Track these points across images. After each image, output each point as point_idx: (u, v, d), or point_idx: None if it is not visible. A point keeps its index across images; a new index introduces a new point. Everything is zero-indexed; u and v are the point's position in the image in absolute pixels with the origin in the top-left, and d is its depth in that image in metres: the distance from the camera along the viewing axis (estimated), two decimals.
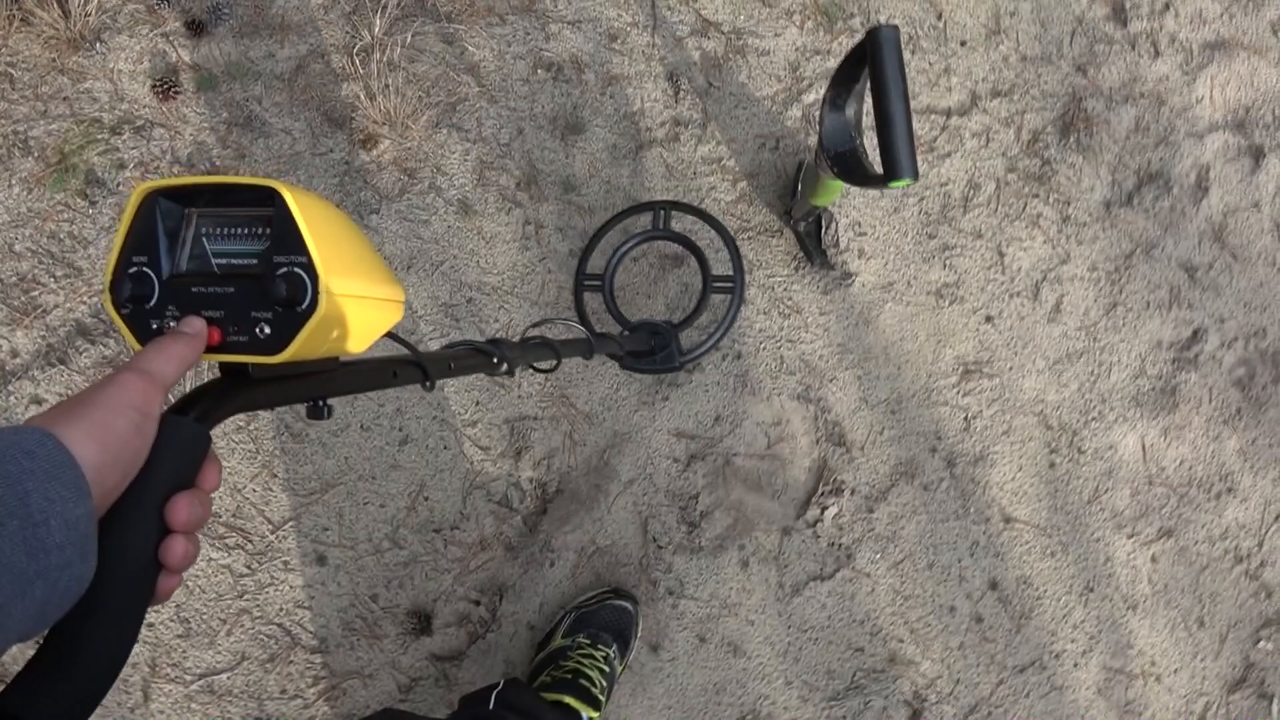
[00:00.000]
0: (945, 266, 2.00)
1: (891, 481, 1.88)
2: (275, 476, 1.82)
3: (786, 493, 1.87)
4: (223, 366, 0.66)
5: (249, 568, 1.78)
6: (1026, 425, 1.92)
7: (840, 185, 1.47)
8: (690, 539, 1.82)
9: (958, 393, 1.93)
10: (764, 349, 1.93)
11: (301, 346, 0.64)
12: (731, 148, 2.07)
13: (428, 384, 0.90)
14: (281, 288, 0.62)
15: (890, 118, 1.14)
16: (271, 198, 0.64)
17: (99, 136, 2.02)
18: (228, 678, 1.75)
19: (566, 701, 1.52)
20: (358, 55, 2.04)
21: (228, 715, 1.75)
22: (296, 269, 0.63)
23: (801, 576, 1.82)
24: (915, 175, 1.13)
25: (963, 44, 2.17)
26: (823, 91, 2.09)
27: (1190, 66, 2.17)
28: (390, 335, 0.79)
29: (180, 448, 0.57)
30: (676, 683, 1.79)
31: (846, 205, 2.01)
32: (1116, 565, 1.86)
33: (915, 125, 2.07)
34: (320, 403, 0.74)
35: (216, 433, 1.75)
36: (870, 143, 1.32)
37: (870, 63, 1.17)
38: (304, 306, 0.63)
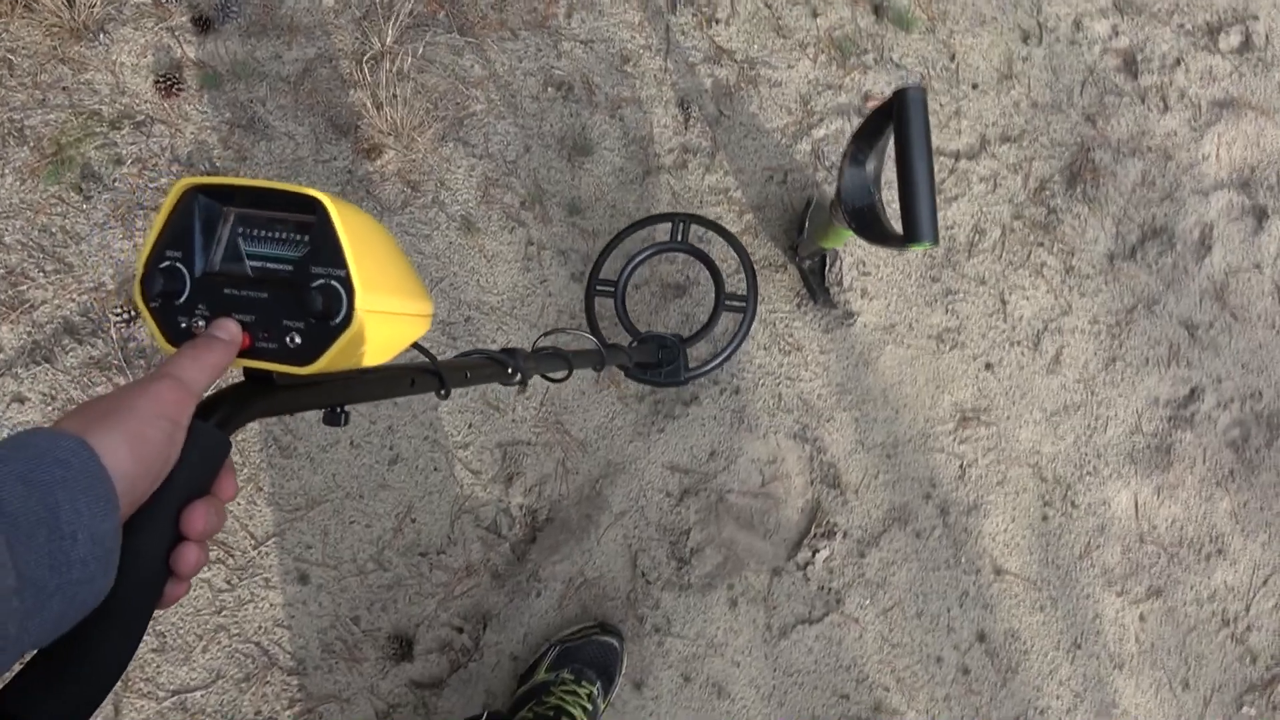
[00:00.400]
0: (947, 311, 1.99)
1: (884, 526, 1.86)
2: (261, 490, 1.78)
3: (778, 533, 1.85)
4: (247, 371, 0.65)
5: (229, 583, 1.74)
6: (1021, 476, 1.92)
7: (849, 231, 1.46)
8: (679, 575, 1.80)
9: (954, 440, 1.92)
10: (762, 385, 1.91)
11: (332, 359, 0.63)
12: (739, 179, 2.05)
13: (443, 392, 0.89)
14: (318, 300, 0.62)
15: (913, 180, 1.12)
16: (313, 206, 0.63)
17: (97, 130, 1.98)
18: (201, 696, 1.71)
19: None
20: (367, 63, 2.01)
21: None
22: (334, 282, 0.63)
23: (790, 619, 1.80)
24: (936, 239, 1.12)
25: (974, 87, 2.17)
26: (831, 127, 2.09)
27: (1198, 123, 2.17)
28: (415, 345, 0.80)
29: (201, 454, 0.56)
30: None
31: (852, 244, 2.00)
32: (1105, 623, 1.86)
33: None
34: (339, 409, 0.73)
35: None
36: (889, 196, 1.30)
37: (896, 123, 1.15)
38: (338, 321, 0.62)
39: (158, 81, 2.01)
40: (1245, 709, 1.86)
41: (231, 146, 1.99)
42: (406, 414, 1.84)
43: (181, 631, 1.72)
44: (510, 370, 1.05)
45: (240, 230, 0.66)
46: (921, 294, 1.99)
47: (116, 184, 1.94)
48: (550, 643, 1.70)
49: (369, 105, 1.96)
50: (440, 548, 1.79)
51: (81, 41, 2.02)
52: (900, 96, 1.15)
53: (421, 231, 1.95)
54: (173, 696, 1.70)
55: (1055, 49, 2.21)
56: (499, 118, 2.05)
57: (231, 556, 1.75)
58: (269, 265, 0.65)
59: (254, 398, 0.62)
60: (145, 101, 2.00)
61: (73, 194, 1.93)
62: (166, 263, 0.64)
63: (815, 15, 2.18)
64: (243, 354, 0.63)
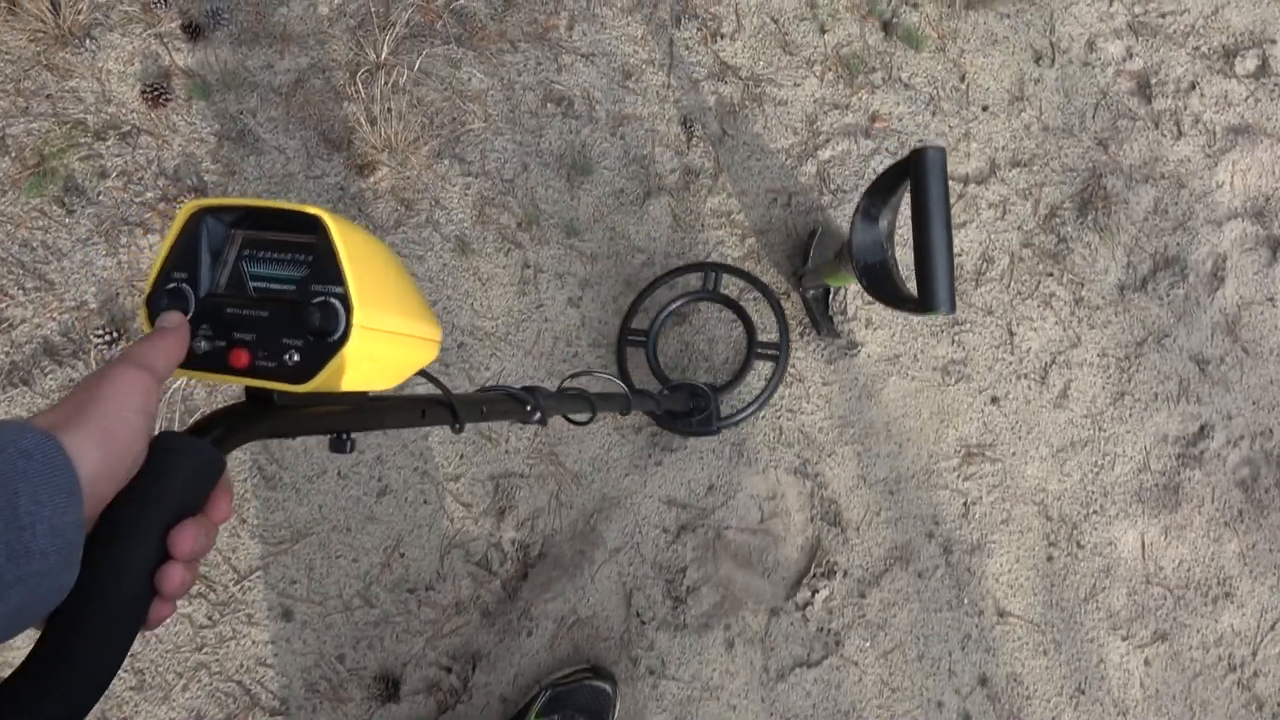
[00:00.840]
0: (953, 342, 1.94)
1: (886, 566, 1.82)
2: (244, 522, 1.73)
3: (777, 571, 1.80)
4: (248, 391, 0.66)
5: (210, 619, 1.69)
6: (1026, 515, 1.87)
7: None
8: (675, 615, 1.75)
9: (958, 476, 1.87)
10: (763, 418, 1.86)
11: (329, 377, 0.63)
12: (742, 201, 1.99)
13: (457, 426, 0.89)
14: (315, 316, 0.62)
15: (931, 246, 1.07)
16: (315, 225, 0.64)
17: (82, 140, 1.91)
18: None
19: None
20: (361, 76, 1.95)
21: None
22: (332, 299, 0.63)
23: (788, 661, 1.76)
24: (953, 308, 1.07)
25: (984, 109, 2.11)
26: (838, 148, 2.03)
27: (1213, 150, 2.12)
28: (422, 373, 0.79)
29: (193, 471, 0.56)
30: None
31: None
32: (1109, 667, 1.81)
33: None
34: (344, 436, 0.73)
35: None
36: (901, 249, 1.25)
37: (913, 184, 1.10)
38: (335, 337, 0.63)
39: (145, 91, 1.94)
40: None
41: (220, 160, 1.93)
42: (396, 443, 1.79)
43: (160, 669, 1.67)
44: (530, 409, 1.03)
45: (245, 252, 0.68)
46: (927, 324, 1.94)
47: (101, 198, 1.88)
48: (541, 686, 1.66)
49: (363, 120, 1.90)
50: (429, 584, 1.74)
51: (67, 47, 1.96)
52: (919, 157, 1.09)
53: (415, 252, 1.89)
54: None
55: (1068, 70, 2.15)
56: (496, 134, 1.99)
57: (213, 591, 1.70)
58: (272, 286, 0.66)
59: (253, 418, 0.62)
60: (132, 111, 1.94)
61: (55, 207, 1.86)
62: (173, 284, 0.66)
63: (823, 32, 2.12)
64: (241, 373, 0.64)
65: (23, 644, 1.52)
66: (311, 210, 0.64)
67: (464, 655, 1.71)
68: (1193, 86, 2.16)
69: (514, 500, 1.78)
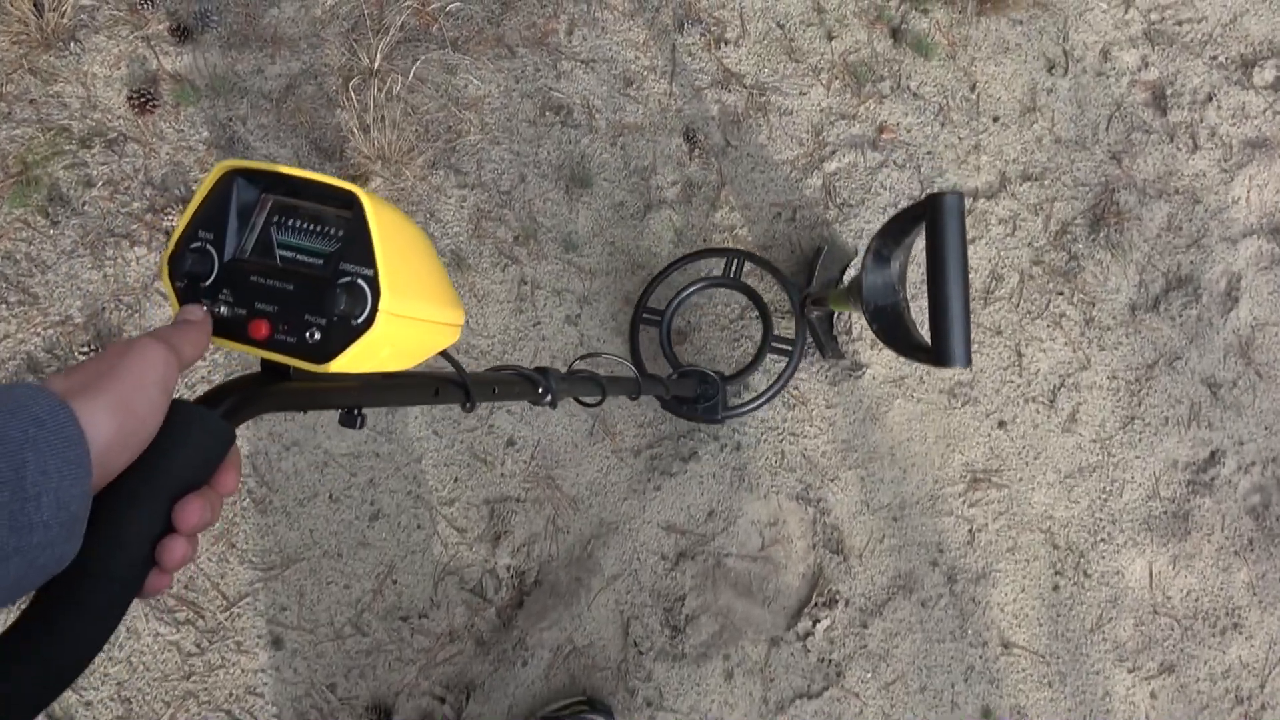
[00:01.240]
0: None
1: (889, 595, 1.78)
2: (234, 547, 1.69)
3: (777, 600, 1.76)
4: (264, 363, 0.64)
5: (199, 646, 1.65)
6: (1032, 543, 1.83)
7: None
8: (673, 644, 1.72)
9: (964, 502, 1.83)
10: (765, 441, 1.82)
11: (350, 360, 0.62)
12: (745, 215, 1.94)
13: (468, 405, 0.88)
14: (342, 298, 0.61)
15: (946, 299, 1.02)
16: (350, 202, 0.63)
17: (66, 148, 1.86)
18: None
19: None
20: (354, 82, 1.89)
21: None
22: (360, 281, 0.62)
23: (788, 692, 1.72)
24: (968, 363, 1.02)
25: (995, 120, 2.06)
26: (844, 160, 1.98)
27: (1229, 164, 2.07)
28: (442, 353, 0.78)
29: (202, 442, 0.54)
30: None
31: None
32: (1115, 700, 1.78)
33: None
34: (356, 411, 0.72)
35: None
36: (910, 291, 1.20)
37: (929, 231, 1.05)
38: (359, 321, 0.61)
39: (132, 96, 1.88)
40: None
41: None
42: (389, 466, 1.74)
43: (148, 698, 1.63)
44: (541, 390, 1.02)
45: (275, 219, 0.66)
46: None
47: (86, 208, 1.82)
48: (536, 717, 1.62)
49: (355, 128, 1.85)
50: (422, 611, 1.70)
51: (50, 50, 1.90)
52: (936, 203, 1.04)
53: None
54: None
55: (1081, 80, 2.10)
56: (493, 143, 1.93)
57: (201, 618, 1.66)
58: (299, 257, 0.65)
59: (266, 391, 0.61)
60: (118, 118, 1.88)
61: (39, 218, 1.81)
62: (198, 243, 0.64)
63: (830, 38, 2.06)
64: (260, 344, 0.62)
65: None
66: (350, 187, 0.63)
67: (458, 685, 1.68)
68: (1209, 98, 2.11)
69: (509, 525, 1.75)
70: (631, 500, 1.78)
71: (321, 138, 1.91)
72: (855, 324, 1.88)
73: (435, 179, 1.89)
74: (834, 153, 1.99)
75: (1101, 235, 1.99)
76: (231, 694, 1.64)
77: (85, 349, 1.75)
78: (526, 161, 1.93)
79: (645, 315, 1.82)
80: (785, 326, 1.84)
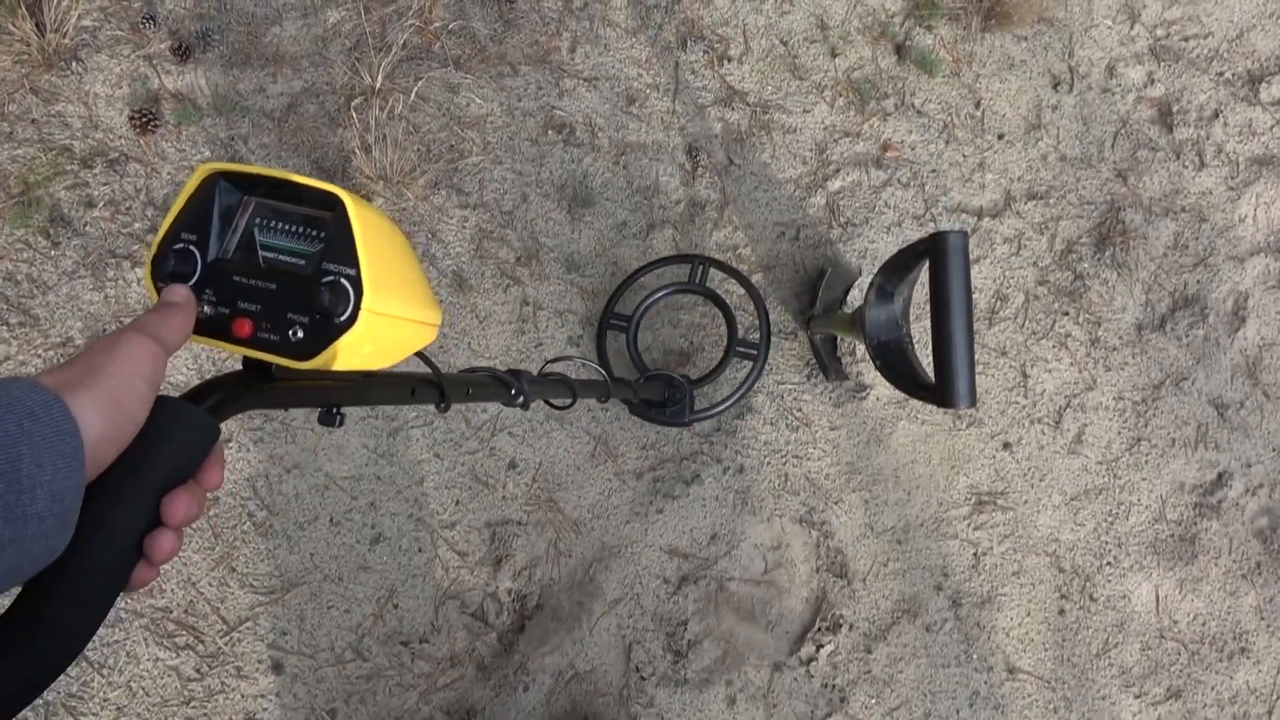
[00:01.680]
0: None
1: (893, 619, 1.77)
2: (234, 571, 1.68)
3: (781, 624, 1.75)
4: (246, 361, 0.65)
5: (198, 671, 1.64)
6: (1038, 567, 1.82)
7: None
8: (675, 670, 1.71)
9: (969, 525, 1.82)
10: (768, 464, 1.81)
11: (331, 357, 0.63)
12: (749, 234, 1.93)
13: (443, 405, 0.89)
14: (325, 295, 0.61)
15: (951, 338, 1.01)
16: (333, 204, 0.64)
17: (68, 168, 1.85)
18: None
19: None
20: (356, 101, 1.88)
21: None
22: (343, 280, 0.62)
23: (791, 719, 1.71)
24: (973, 403, 1.01)
25: (1000, 137, 2.04)
26: (848, 179, 1.97)
27: (1236, 182, 2.05)
28: (418, 354, 0.79)
29: (188, 438, 0.55)
30: None
31: None
32: None
33: (945, 224, 1.95)
34: (335, 410, 0.73)
35: None
36: (914, 312, 1.19)
37: (933, 270, 1.04)
38: (342, 319, 0.62)
39: (133, 116, 1.88)
40: None
41: None
42: (390, 489, 1.73)
43: None
44: (514, 392, 1.04)
45: (257, 220, 0.67)
46: None
47: (87, 228, 1.82)
48: None
49: (357, 148, 1.84)
50: (423, 636, 1.69)
51: (53, 70, 1.89)
52: (939, 242, 1.03)
53: None
54: None
55: (1087, 97, 2.08)
56: (495, 162, 1.92)
57: (201, 643, 1.66)
58: (281, 257, 0.65)
59: (249, 388, 0.62)
60: (119, 138, 1.88)
61: (40, 239, 1.81)
62: (181, 244, 0.65)
63: (834, 55, 2.05)
64: (243, 343, 0.63)
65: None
66: (332, 189, 0.63)
67: (458, 710, 1.67)
68: (1216, 115, 2.09)
69: (511, 549, 1.74)
70: (634, 523, 1.76)
71: (324, 157, 1.90)
72: (859, 345, 1.86)
73: (437, 199, 1.88)
74: (838, 171, 1.98)
75: (1107, 254, 1.98)
76: (231, 719, 1.64)
77: None
78: (529, 181, 1.92)
79: (613, 321, 1.82)
80: (757, 331, 1.83)
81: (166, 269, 0.64)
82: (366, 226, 0.64)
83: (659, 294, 1.80)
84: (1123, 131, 2.07)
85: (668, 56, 2.02)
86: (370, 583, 1.70)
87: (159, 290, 0.64)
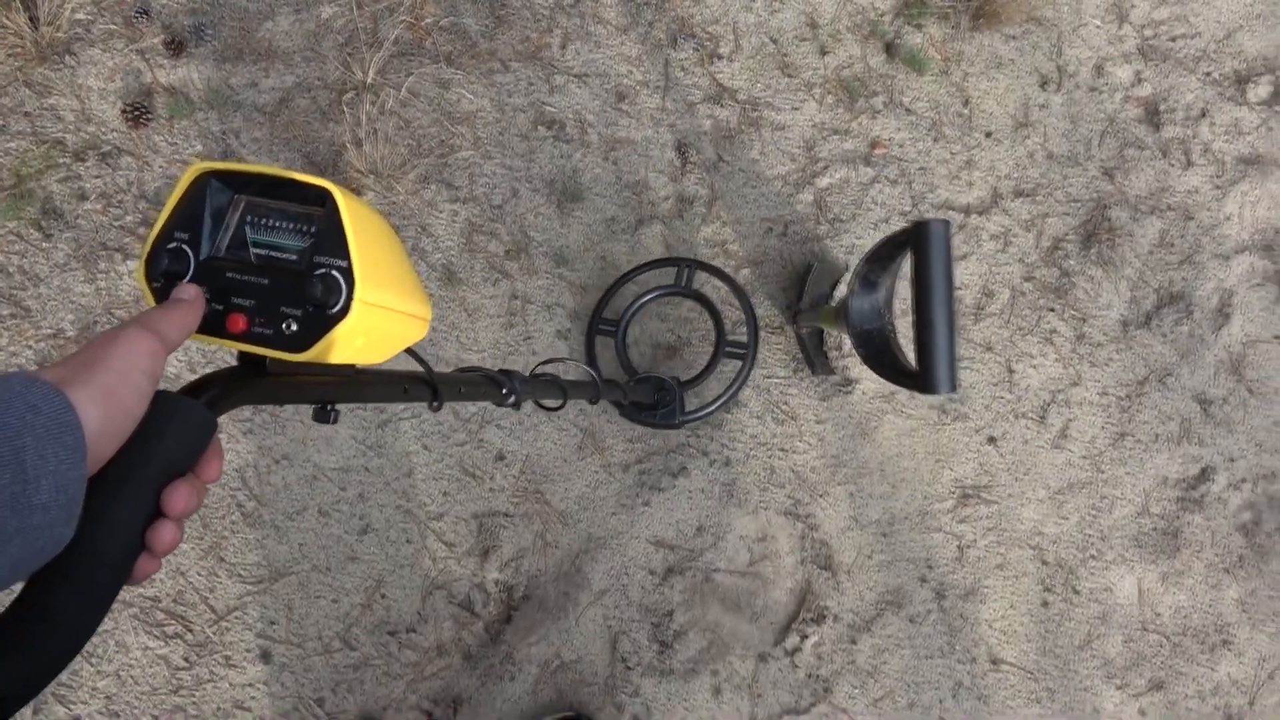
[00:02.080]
0: None
1: (877, 611, 1.78)
2: (222, 561, 1.69)
3: (766, 615, 1.76)
4: (241, 356, 0.66)
5: (187, 660, 1.66)
6: (1022, 559, 1.83)
7: None
8: (661, 660, 1.72)
9: (953, 518, 1.83)
10: (754, 457, 1.82)
11: (325, 349, 0.64)
12: (737, 230, 1.95)
13: (435, 404, 0.91)
14: (317, 288, 0.63)
15: (932, 325, 1.02)
16: (323, 198, 0.65)
17: (61, 160, 1.86)
18: None
19: None
20: (347, 96, 1.90)
21: None
22: (335, 272, 0.64)
23: (775, 709, 1.73)
24: (954, 389, 1.02)
25: (988, 135, 2.06)
26: (836, 176, 1.98)
27: (1222, 180, 2.07)
28: (408, 351, 0.81)
29: (187, 431, 0.56)
30: None
31: None
32: (1104, 717, 1.78)
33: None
34: (329, 406, 0.74)
35: None
36: (896, 312, 1.20)
37: (914, 258, 1.05)
38: (335, 310, 0.63)
39: (126, 109, 1.89)
40: None
41: None
42: (379, 480, 1.75)
43: (136, 711, 1.64)
44: (505, 391, 1.05)
45: (249, 218, 0.68)
46: None
47: (79, 221, 1.83)
48: None
49: (349, 143, 1.85)
50: (410, 626, 1.70)
51: (46, 63, 1.91)
52: (921, 230, 1.04)
53: None
54: None
55: (1075, 96, 2.10)
56: (486, 157, 1.94)
57: (190, 632, 1.67)
58: (273, 254, 0.67)
59: (245, 383, 0.63)
60: (112, 131, 1.89)
61: (32, 231, 1.82)
62: (173, 244, 0.66)
63: (824, 53, 2.07)
64: (237, 338, 0.64)
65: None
66: (322, 183, 0.64)
67: (445, 699, 1.68)
68: (1203, 114, 2.11)
69: (498, 540, 1.75)
70: (620, 515, 1.78)
71: (315, 151, 1.92)
72: (845, 340, 1.88)
73: (427, 193, 1.90)
74: (826, 168, 2.00)
75: (1093, 251, 1.99)
76: (220, 708, 1.65)
77: None
78: (519, 176, 1.93)
79: (601, 326, 1.83)
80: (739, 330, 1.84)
81: (160, 268, 0.65)
82: (357, 219, 0.65)
83: (645, 298, 1.82)
84: (1110, 130, 2.08)
85: (658, 54, 2.04)
86: (358, 573, 1.71)
87: (154, 290, 0.65)
